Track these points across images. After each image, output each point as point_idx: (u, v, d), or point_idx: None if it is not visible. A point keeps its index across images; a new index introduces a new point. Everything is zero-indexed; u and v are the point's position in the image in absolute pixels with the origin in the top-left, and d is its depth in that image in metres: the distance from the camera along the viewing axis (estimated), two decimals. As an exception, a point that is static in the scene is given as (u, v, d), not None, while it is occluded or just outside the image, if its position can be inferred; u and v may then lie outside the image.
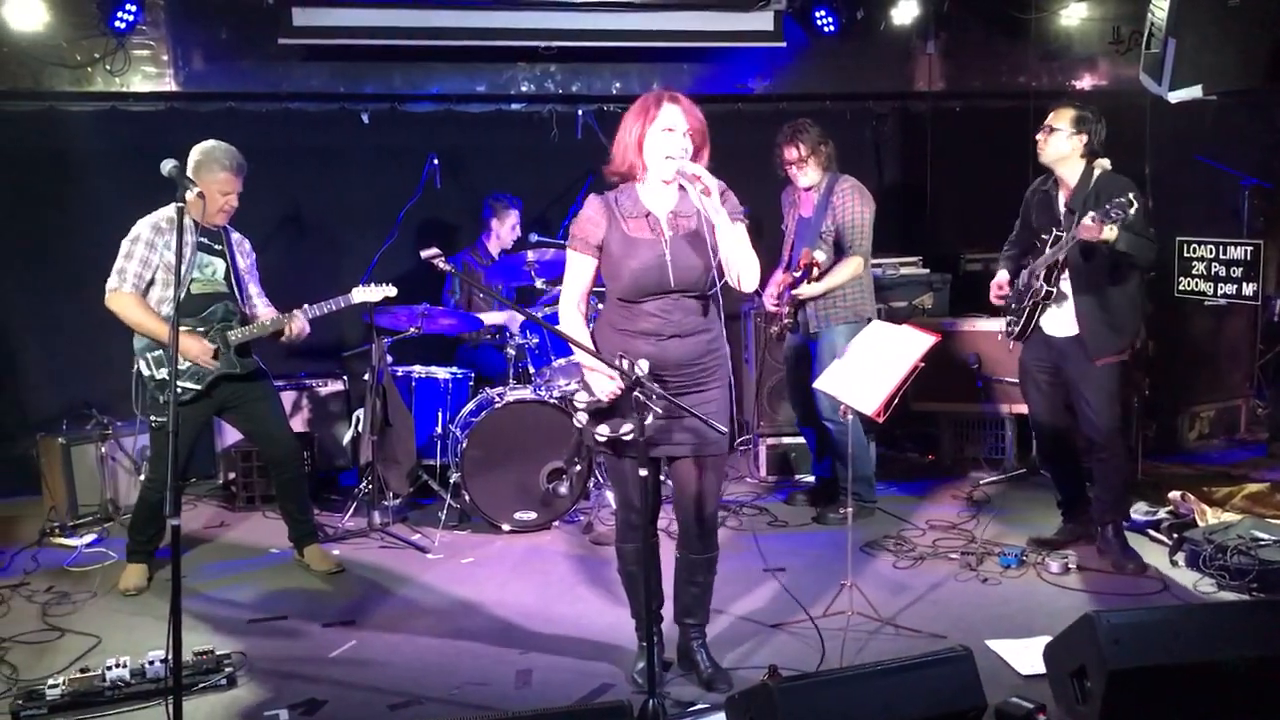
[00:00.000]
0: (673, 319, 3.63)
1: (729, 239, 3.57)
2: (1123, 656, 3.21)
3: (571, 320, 3.72)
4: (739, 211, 3.69)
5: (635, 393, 3.34)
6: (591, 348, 3.64)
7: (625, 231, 3.63)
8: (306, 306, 4.95)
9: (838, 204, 5.45)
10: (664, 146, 3.58)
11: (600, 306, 4.01)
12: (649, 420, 3.39)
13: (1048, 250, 4.75)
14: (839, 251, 5.45)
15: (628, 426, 3.47)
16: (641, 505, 3.71)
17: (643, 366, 3.40)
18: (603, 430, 3.61)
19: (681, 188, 3.66)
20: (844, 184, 5.49)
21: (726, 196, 3.62)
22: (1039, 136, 4.78)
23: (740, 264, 3.61)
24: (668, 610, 3.95)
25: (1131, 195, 4.36)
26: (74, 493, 5.89)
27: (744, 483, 6.46)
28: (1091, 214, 4.42)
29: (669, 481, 3.90)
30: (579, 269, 3.72)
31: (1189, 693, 3.29)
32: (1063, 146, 4.72)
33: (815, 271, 5.34)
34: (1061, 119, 4.72)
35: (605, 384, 3.57)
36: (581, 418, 3.64)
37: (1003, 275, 5.06)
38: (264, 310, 5.04)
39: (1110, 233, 4.40)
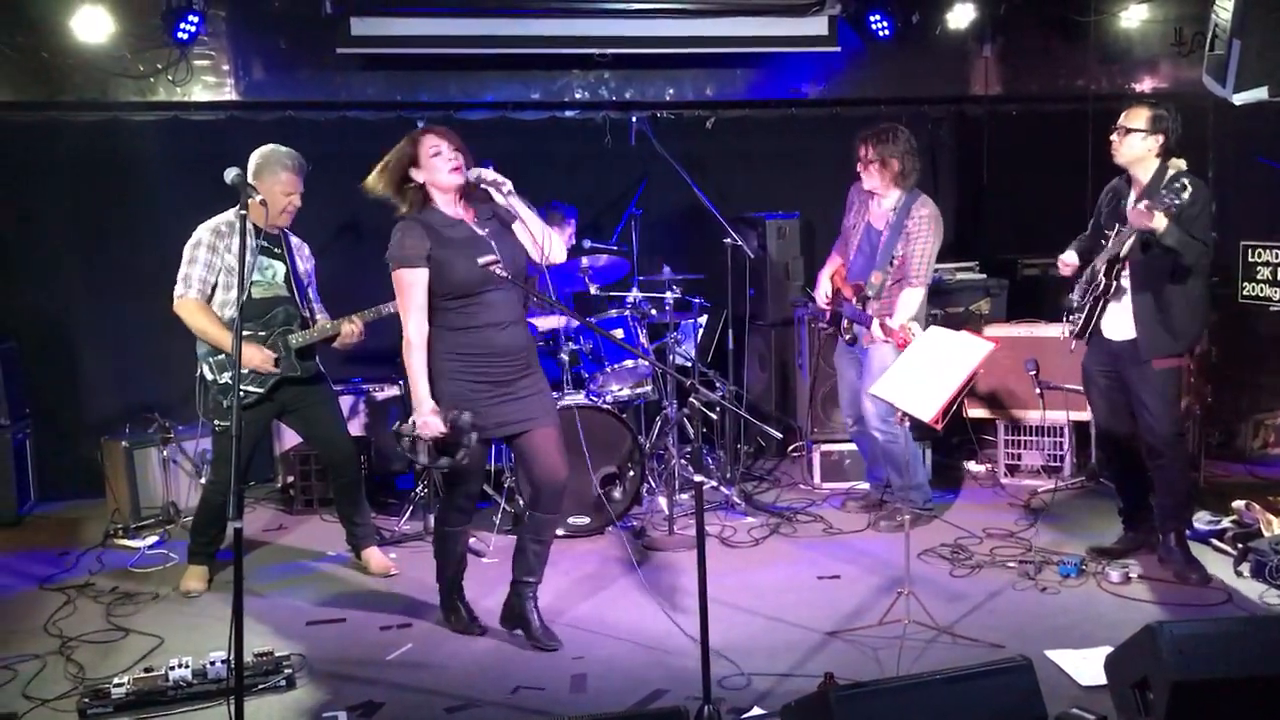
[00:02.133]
0: (501, 309, 4.09)
1: (535, 222, 4.16)
2: (1186, 668, 3.16)
3: (418, 355, 4.04)
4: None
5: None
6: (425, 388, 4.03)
7: (449, 237, 4.03)
8: (362, 313, 5.01)
9: (912, 230, 5.38)
10: (442, 165, 4.06)
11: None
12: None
13: (1109, 244, 4.69)
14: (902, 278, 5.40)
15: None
16: (475, 490, 4.31)
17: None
18: (443, 462, 4.05)
19: (466, 195, 4.16)
20: (922, 210, 5.40)
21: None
22: (1113, 138, 4.70)
23: (545, 238, 4.18)
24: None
25: (1187, 180, 4.26)
26: (136, 495, 5.99)
27: (797, 489, 6.42)
28: (1145, 201, 4.35)
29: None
30: (418, 283, 4.02)
31: (1254, 706, 3.23)
32: (1138, 147, 4.64)
33: (905, 334, 5.14)
34: (1137, 119, 4.64)
35: (433, 429, 3.99)
36: (421, 456, 4.04)
37: (1072, 254, 4.97)
38: (320, 317, 5.11)
39: (1159, 221, 4.32)
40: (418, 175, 4.08)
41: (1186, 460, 5.01)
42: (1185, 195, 4.25)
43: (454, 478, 4.23)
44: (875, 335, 5.29)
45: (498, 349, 4.09)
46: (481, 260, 3.91)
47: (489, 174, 4.11)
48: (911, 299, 5.35)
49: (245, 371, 4.76)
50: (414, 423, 4.00)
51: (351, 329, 4.93)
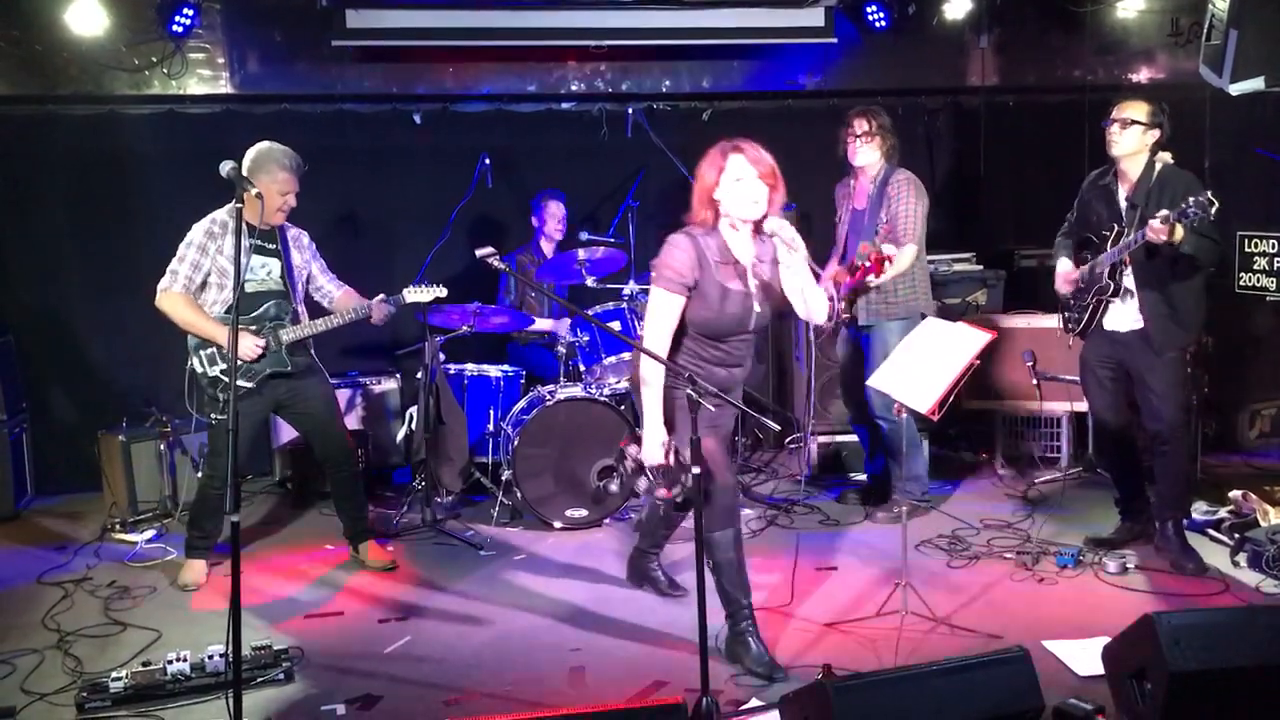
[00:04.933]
0: (737, 354, 3.98)
1: (808, 284, 3.85)
2: (1184, 658, 3.16)
3: (656, 371, 3.82)
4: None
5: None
6: (659, 412, 3.85)
7: (716, 277, 3.82)
8: (381, 297, 5.06)
9: (892, 194, 5.41)
10: (737, 196, 3.77)
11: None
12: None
13: (1109, 247, 4.68)
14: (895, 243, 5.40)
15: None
16: (732, 482, 4.02)
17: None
18: (662, 494, 3.93)
19: (758, 234, 3.89)
20: (899, 176, 5.45)
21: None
22: (1113, 129, 4.66)
23: (813, 300, 3.91)
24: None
25: (1211, 194, 4.23)
26: (134, 489, 5.99)
27: (794, 481, 6.42)
28: (1165, 213, 4.32)
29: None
30: (670, 308, 3.84)
31: (1252, 696, 3.24)
32: (1137, 140, 4.63)
33: (888, 266, 5.19)
34: (1139, 111, 4.62)
35: (655, 453, 3.85)
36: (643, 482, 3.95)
37: (1067, 264, 4.98)
38: (336, 291, 5.12)
39: (1179, 235, 4.32)
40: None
41: (1187, 449, 5.01)
42: (1212, 211, 4.21)
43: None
44: (871, 282, 5.30)
45: (734, 384, 4.05)
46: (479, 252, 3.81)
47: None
48: (905, 255, 5.36)
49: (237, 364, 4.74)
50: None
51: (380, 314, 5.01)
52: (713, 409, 3.57)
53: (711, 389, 3.50)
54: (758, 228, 3.87)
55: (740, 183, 3.75)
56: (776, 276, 3.91)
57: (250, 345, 4.78)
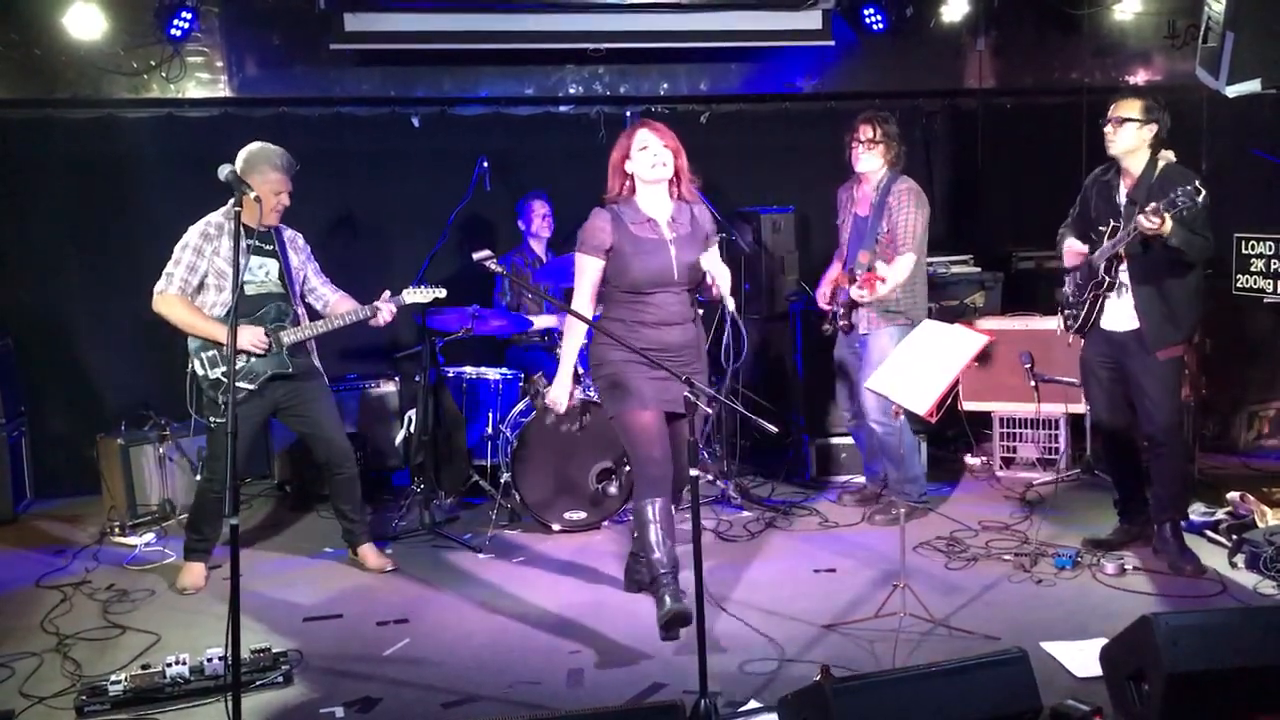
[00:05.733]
0: (672, 309, 4.31)
1: (718, 272, 4.21)
2: (1181, 659, 3.17)
3: (575, 324, 4.37)
4: (715, 236, 4.46)
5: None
6: (573, 360, 4.44)
7: (634, 233, 4.26)
8: (387, 294, 5.08)
9: (893, 204, 5.41)
10: (644, 161, 4.26)
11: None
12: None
13: (1106, 242, 4.69)
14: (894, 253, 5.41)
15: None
16: (659, 455, 4.23)
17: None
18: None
19: (675, 197, 4.35)
20: (901, 185, 5.44)
21: (710, 229, 4.42)
22: (1108, 129, 4.68)
23: (724, 284, 4.19)
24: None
25: (1199, 183, 4.25)
26: (133, 493, 5.99)
27: (791, 483, 6.43)
28: (1153, 204, 4.34)
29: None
30: (587, 269, 4.32)
31: (1249, 696, 3.24)
32: (1133, 137, 4.64)
33: (879, 286, 5.24)
34: (1132, 109, 4.63)
35: (561, 395, 4.44)
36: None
37: (1074, 241, 4.94)
38: (332, 296, 5.12)
39: (1167, 226, 4.33)
40: None
41: (1185, 451, 5.02)
42: (1199, 200, 4.23)
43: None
44: (858, 296, 5.31)
45: (672, 345, 4.33)
46: (476, 256, 3.89)
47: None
48: (903, 264, 5.36)
49: (239, 364, 4.74)
50: None
51: (384, 317, 5.06)
52: (709, 410, 3.63)
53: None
54: (678, 195, 4.35)
55: (646, 150, 4.25)
56: (696, 236, 4.32)
57: (254, 336, 4.78)
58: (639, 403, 4.24)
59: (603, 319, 4.37)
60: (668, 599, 4.07)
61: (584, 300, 4.32)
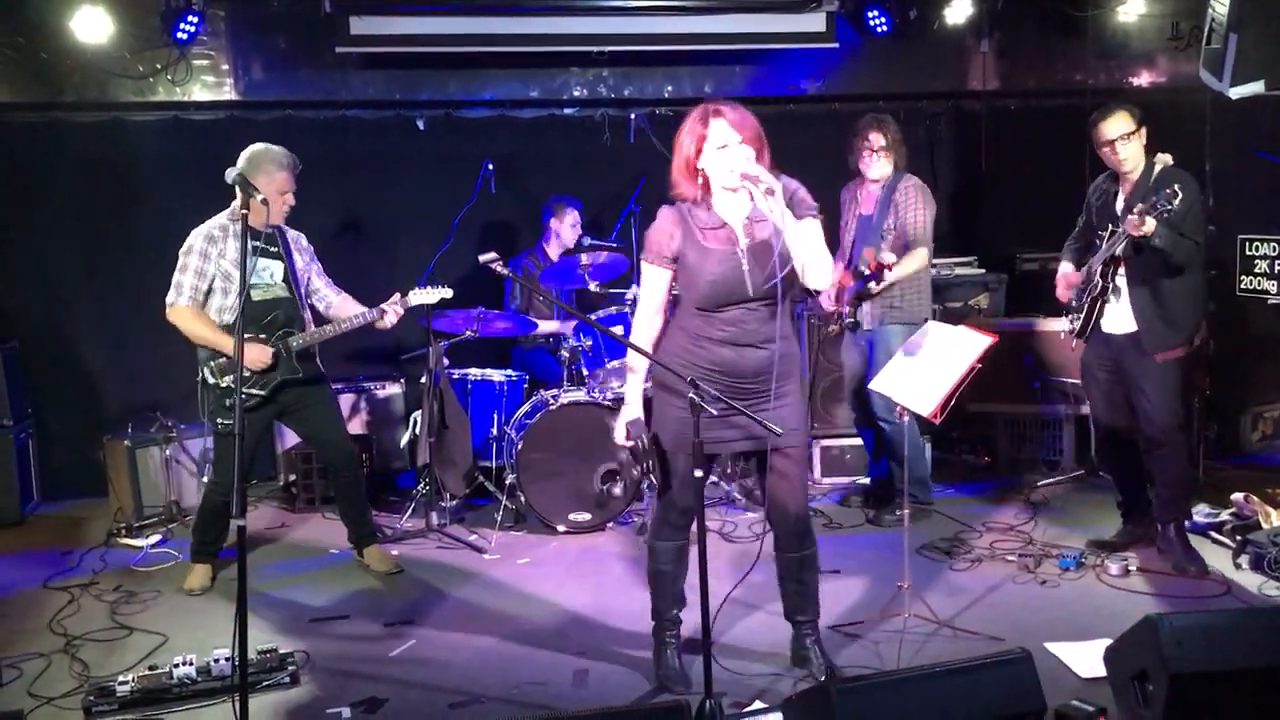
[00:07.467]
0: (748, 328, 3.63)
1: (796, 237, 3.50)
2: (1186, 660, 3.17)
3: (641, 338, 3.75)
4: (812, 208, 3.62)
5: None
6: (638, 396, 3.77)
7: (701, 242, 3.61)
8: (397, 296, 5.07)
9: (900, 201, 5.44)
10: (723, 164, 3.55)
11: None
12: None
13: (1103, 246, 4.71)
14: (902, 249, 5.43)
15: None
16: (685, 506, 3.77)
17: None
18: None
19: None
20: (907, 182, 5.47)
21: (796, 195, 3.60)
22: (1107, 151, 4.68)
23: (809, 261, 3.54)
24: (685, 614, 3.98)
25: (1178, 186, 4.27)
26: (139, 494, 6.02)
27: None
28: (1139, 205, 4.37)
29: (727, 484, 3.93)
30: (651, 281, 3.72)
31: (1253, 697, 3.24)
32: (1137, 149, 4.67)
33: (886, 274, 5.29)
34: (1125, 122, 4.64)
35: (619, 431, 3.75)
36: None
37: (1068, 268, 5.01)
38: (335, 297, 5.12)
39: (1150, 226, 4.34)
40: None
41: (1186, 452, 5.03)
42: (1176, 202, 4.26)
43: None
44: (862, 271, 5.34)
45: (747, 370, 3.69)
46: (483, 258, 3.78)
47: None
48: (913, 259, 5.39)
49: (247, 374, 4.76)
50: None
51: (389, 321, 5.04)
52: (714, 412, 3.41)
53: (713, 392, 3.44)
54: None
55: (725, 150, 3.54)
56: (777, 234, 3.53)
57: (260, 354, 4.79)
58: (675, 440, 3.71)
59: (672, 324, 3.78)
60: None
61: (646, 315, 3.74)
